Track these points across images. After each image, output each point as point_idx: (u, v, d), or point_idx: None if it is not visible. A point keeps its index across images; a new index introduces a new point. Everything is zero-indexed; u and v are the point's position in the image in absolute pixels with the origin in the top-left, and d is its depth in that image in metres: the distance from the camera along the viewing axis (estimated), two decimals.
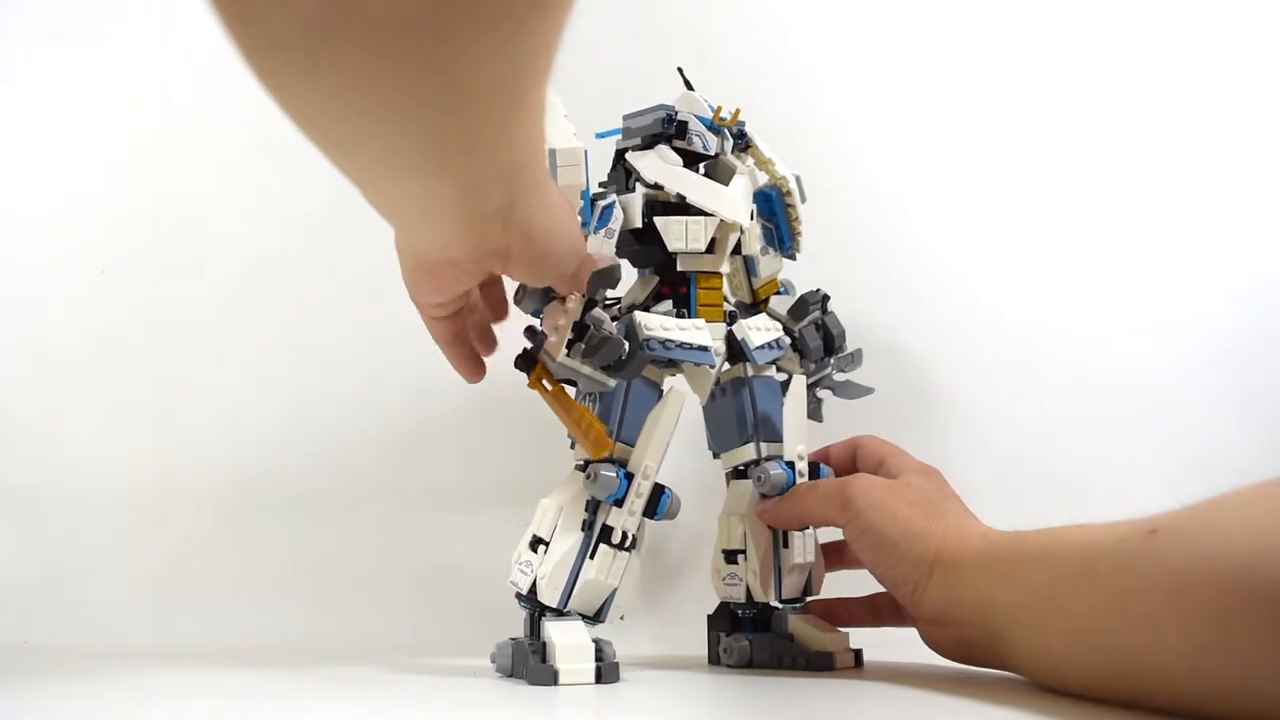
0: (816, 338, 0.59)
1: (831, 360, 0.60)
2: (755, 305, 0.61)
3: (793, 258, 0.61)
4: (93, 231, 0.78)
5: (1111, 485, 0.76)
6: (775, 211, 0.60)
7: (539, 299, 0.52)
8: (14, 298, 0.77)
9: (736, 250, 0.58)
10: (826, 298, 0.60)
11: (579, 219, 0.50)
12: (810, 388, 0.60)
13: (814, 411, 0.61)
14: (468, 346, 0.55)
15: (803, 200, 0.61)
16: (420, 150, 0.34)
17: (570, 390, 0.53)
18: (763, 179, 0.60)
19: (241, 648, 0.66)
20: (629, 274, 0.58)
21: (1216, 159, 0.89)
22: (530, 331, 0.53)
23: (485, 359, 0.57)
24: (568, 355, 0.50)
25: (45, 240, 0.78)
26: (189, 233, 0.79)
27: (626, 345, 0.51)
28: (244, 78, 0.30)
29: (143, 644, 0.67)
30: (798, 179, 0.61)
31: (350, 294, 0.78)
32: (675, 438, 0.73)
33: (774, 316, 0.60)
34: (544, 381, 0.51)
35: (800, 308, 0.59)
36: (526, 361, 0.52)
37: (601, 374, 0.51)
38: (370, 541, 0.75)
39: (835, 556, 0.59)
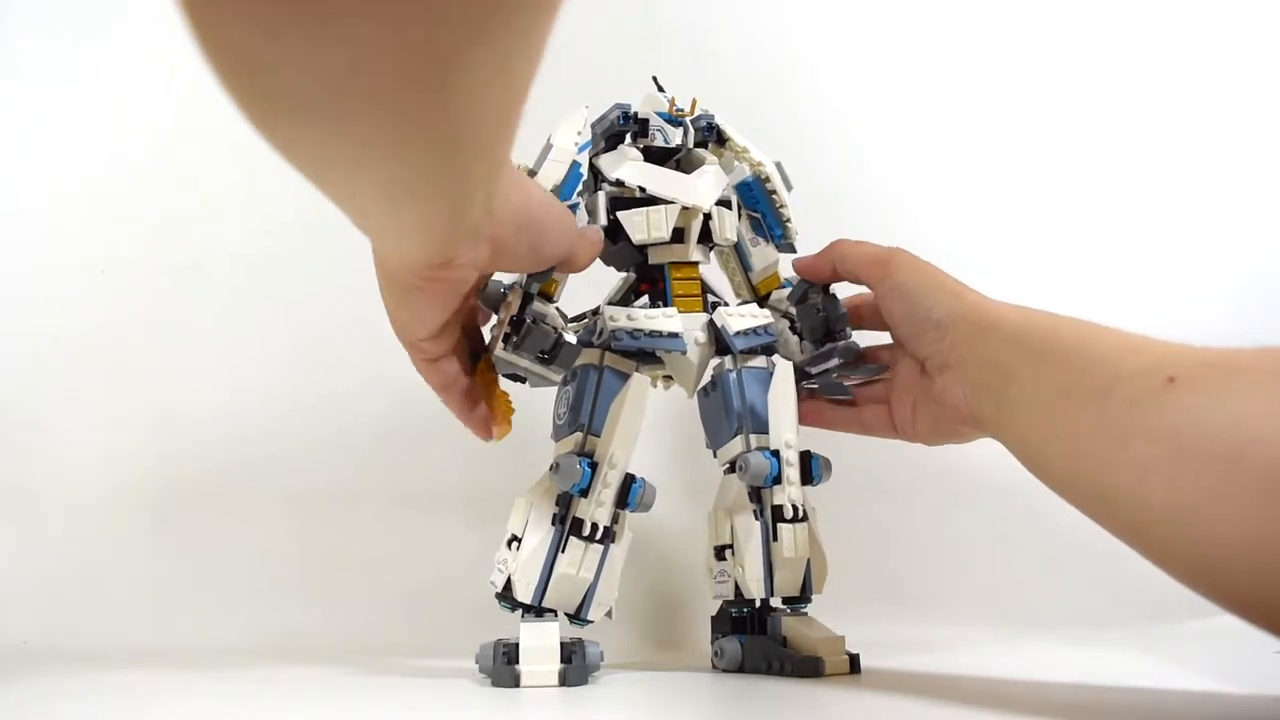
0: (815, 318, 0.57)
1: (836, 349, 0.57)
2: (758, 302, 0.60)
3: (791, 248, 0.60)
4: (93, 231, 0.78)
5: None
6: (759, 200, 0.59)
7: (493, 302, 0.52)
8: (14, 298, 0.77)
9: (709, 240, 0.57)
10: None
11: (558, 200, 0.50)
12: (824, 375, 0.58)
13: (839, 389, 0.59)
14: (468, 396, 0.53)
15: (788, 188, 0.60)
16: (423, 179, 0.35)
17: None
18: (745, 171, 0.59)
19: (240, 648, 0.66)
20: (611, 277, 0.59)
21: (1215, 162, 0.89)
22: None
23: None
24: (504, 349, 0.51)
25: (45, 240, 0.78)
26: (189, 232, 0.79)
27: (555, 334, 0.51)
28: None
29: (143, 644, 0.67)
30: (778, 165, 0.59)
31: (351, 293, 0.78)
32: (676, 437, 0.73)
33: (775, 309, 0.59)
34: (487, 375, 0.53)
35: (799, 291, 0.58)
36: (473, 357, 0.53)
37: (541, 367, 0.52)
38: (370, 541, 0.75)
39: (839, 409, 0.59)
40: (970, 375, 0.49)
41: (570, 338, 0.52)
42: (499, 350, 0.51)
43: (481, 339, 0.55)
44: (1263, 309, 0.84)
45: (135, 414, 0.76)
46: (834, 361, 0.57)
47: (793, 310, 0.59)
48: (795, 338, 0.59)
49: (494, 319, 0.54)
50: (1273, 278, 0.87)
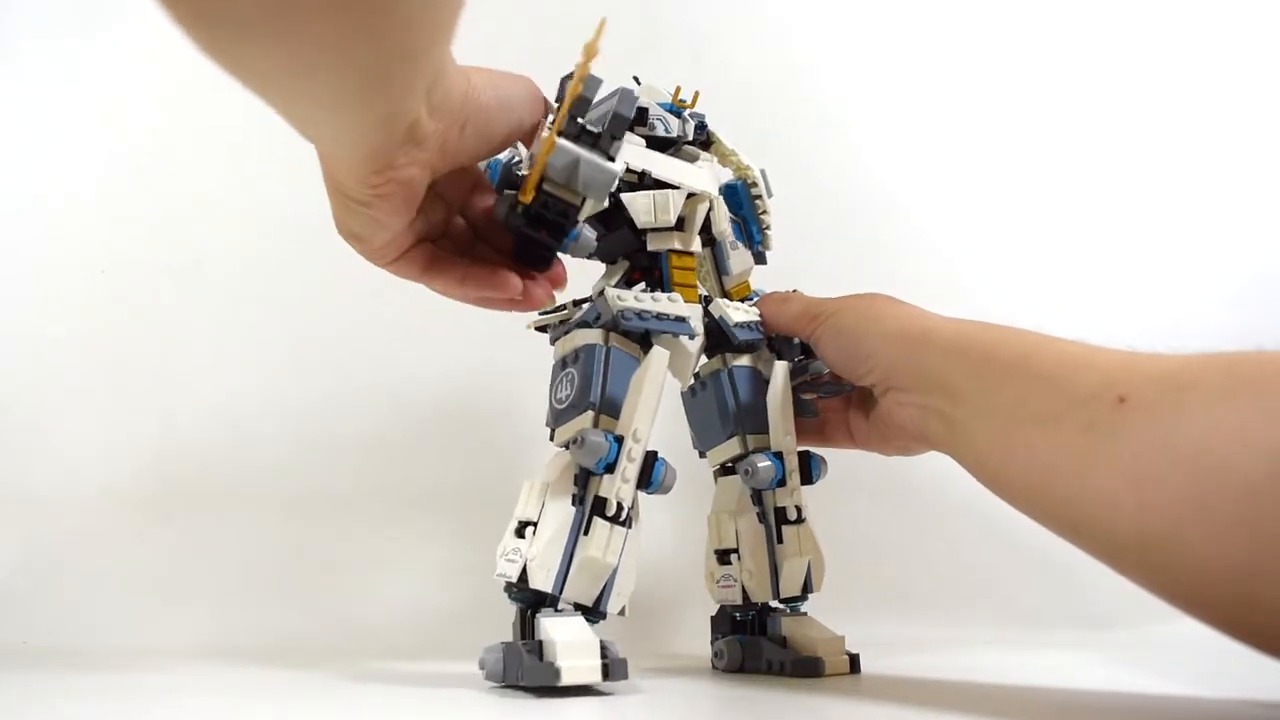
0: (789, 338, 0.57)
1: (809, 367, 0.58)
2: None
3: (762, 259, 0.60)
4: (93, 231, 0.79)
5: None
6: (742, 204, 0.59)
7: (507, 201, 0.48)
8: (14, 298, 0.77)
9: (707, 237, 0.57)
10: None
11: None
12: (797, 389, 0.58)
13: (806, 408, 0.58)
14: (450, 269, 0.50)
15: (769, 195, 0.59)
16: (363, 88, 0.36)
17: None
18: (727, 174, 0.59)
19: (241, 648, 0.66)
20: (594, 270, 0.57)
21: (1214, 162, 0.89)
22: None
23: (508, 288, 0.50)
24: (563, 137, 0.46)
25: (45, 240, 0.78)
26: (189, 232, 0.79)
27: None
28: None
29: (143, 644, 0.67)
30: (763, 172, 0.59)
31: (351, 293, 0.78)
32: (667, 435, 0.73)
33: None
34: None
35: None
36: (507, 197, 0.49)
37: (601, 158, 0.47)
38: (369, 542, 0.75)
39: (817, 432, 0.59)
40: (914, 397, 0.49)
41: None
42: (560, 141, 0.46)
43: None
44: (1263, 309, 0.84)
45: (135, 414, 0.76)
46: (805, 377, 0.57)
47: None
48: (771, 354, 0.58)
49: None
50: (1273, 278, 0.87)
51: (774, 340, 0.58)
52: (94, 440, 0.76)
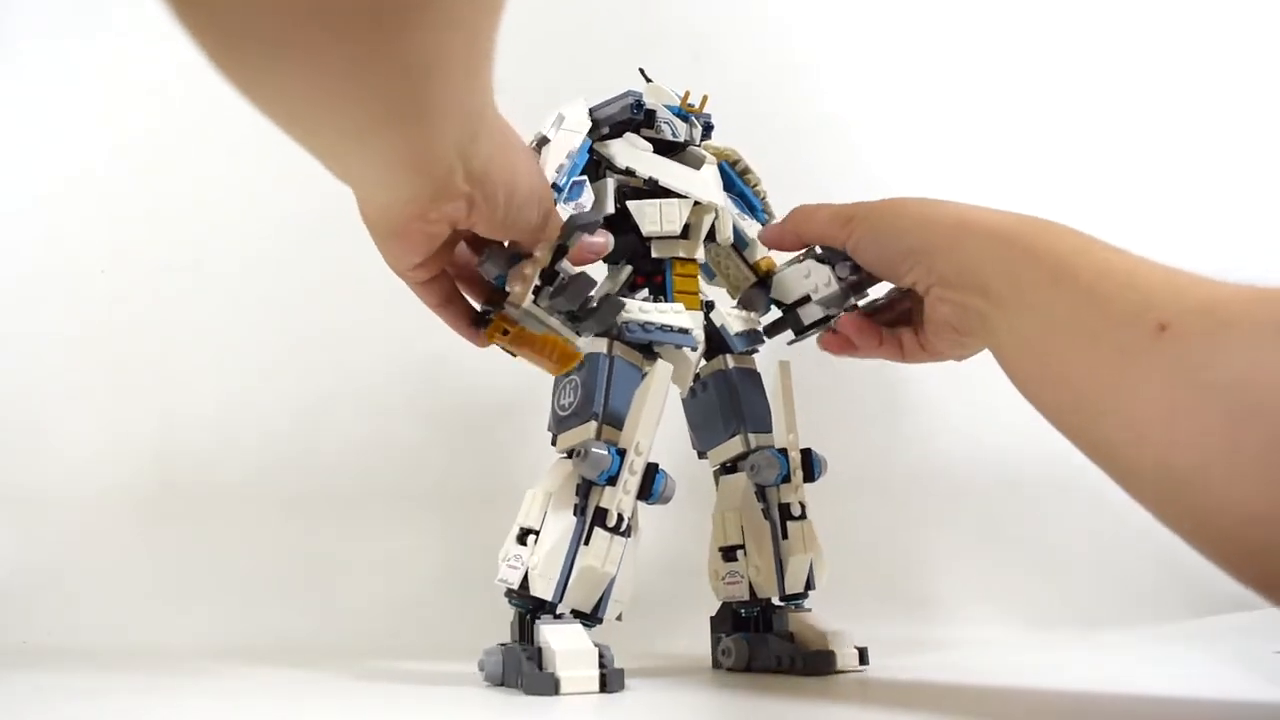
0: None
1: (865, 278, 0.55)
2: (763, 282, 0.58)
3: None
4: (92, 231, 0.79)
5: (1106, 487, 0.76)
6: (734, 182, 0.59)
7: (503, 263, 0.49)
8: (14, 297, 0.77)
9: (711, 239, 0.56)
10: None
11: (544, 174, 0.48)
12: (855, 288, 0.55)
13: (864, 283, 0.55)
14: (463, 308, 0.52)
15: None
16: (386, 117, 0.35)
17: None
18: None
19: (241, 648, 0.66)
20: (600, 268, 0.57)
21: (1214, 163, 0.89)
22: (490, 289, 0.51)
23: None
24: (535, 303, 0.48)
25: (45, 240, 0.78)
26: (189, 232, 0.79)
27: (595, 286, 0.48)
28: None
29: (143, 644, 0.67)
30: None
31: (351, 293, 0.78)
32: (665, 436, 0.73)
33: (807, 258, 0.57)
34: (503, 331, 0.50)
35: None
36: (483, 317, 0.50)
37: (567, 326, 0.49)
38: (369, 542, 0.75)
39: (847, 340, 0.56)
40: (953, 293, 0.47)
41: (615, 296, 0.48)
42: (528, 303, 0.48)
43: (487, 289, 0.52)
44: None
45: (135, 414, 0.76)
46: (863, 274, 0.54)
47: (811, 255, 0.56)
48: (824, 266, 0.55)
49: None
50: (1273, 277, 0.87)
51: (827, 252, 0.55)
52: (94, 440, 0.76)
